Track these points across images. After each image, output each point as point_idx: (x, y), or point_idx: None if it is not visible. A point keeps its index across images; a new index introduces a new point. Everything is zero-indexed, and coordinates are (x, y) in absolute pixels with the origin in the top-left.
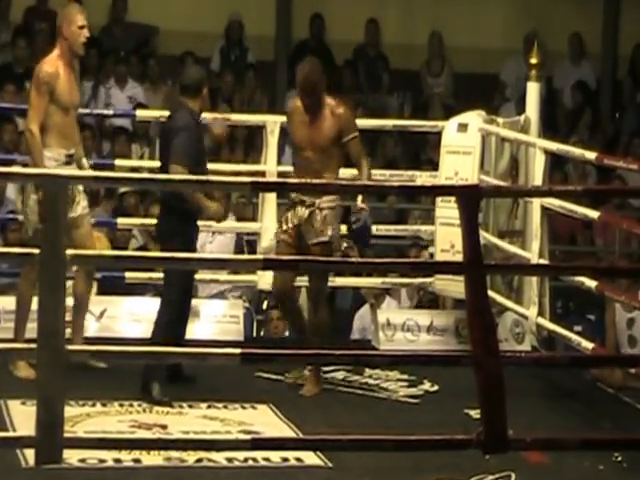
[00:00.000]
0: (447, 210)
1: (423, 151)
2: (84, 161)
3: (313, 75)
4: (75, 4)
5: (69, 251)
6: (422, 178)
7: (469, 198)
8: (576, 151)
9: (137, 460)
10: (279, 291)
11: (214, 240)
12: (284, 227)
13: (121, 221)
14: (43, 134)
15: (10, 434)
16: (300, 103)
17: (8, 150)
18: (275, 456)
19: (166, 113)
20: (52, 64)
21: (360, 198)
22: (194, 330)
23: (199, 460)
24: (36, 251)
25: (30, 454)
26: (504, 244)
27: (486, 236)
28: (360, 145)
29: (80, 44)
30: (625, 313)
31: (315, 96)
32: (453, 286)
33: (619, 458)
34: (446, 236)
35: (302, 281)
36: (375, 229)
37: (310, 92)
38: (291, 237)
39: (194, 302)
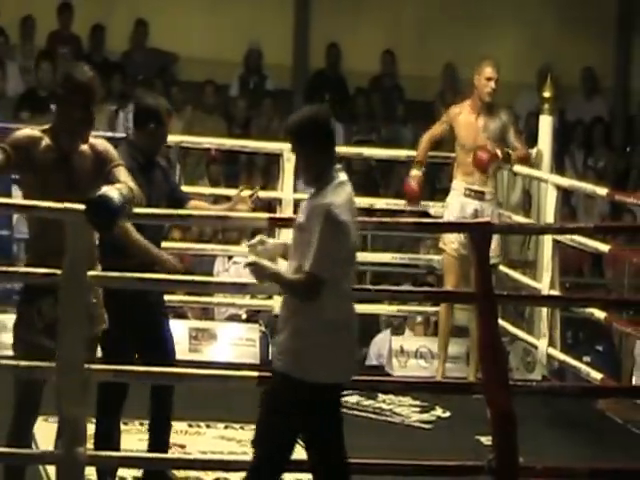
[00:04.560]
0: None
1: (438, 180)
2: None
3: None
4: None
5: (90, 272)
6: (435, 208)
7: (481, 235)
8: (587, 187)
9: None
10: None
11: (230, 268)
12: None
13: None
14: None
15: (33, 450)
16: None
17: None
18: (290, 478)
19: (186, 138)
20: (460, 106)
21: None
22: (212, 352)
23: None
24: (58, 271)
25: (52, 470)
26: (516, 274)
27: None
28: None
29: (483, 92)
30: None
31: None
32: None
33: None
34: None
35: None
36: (391, 257)
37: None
38: None
39: (212, 325)
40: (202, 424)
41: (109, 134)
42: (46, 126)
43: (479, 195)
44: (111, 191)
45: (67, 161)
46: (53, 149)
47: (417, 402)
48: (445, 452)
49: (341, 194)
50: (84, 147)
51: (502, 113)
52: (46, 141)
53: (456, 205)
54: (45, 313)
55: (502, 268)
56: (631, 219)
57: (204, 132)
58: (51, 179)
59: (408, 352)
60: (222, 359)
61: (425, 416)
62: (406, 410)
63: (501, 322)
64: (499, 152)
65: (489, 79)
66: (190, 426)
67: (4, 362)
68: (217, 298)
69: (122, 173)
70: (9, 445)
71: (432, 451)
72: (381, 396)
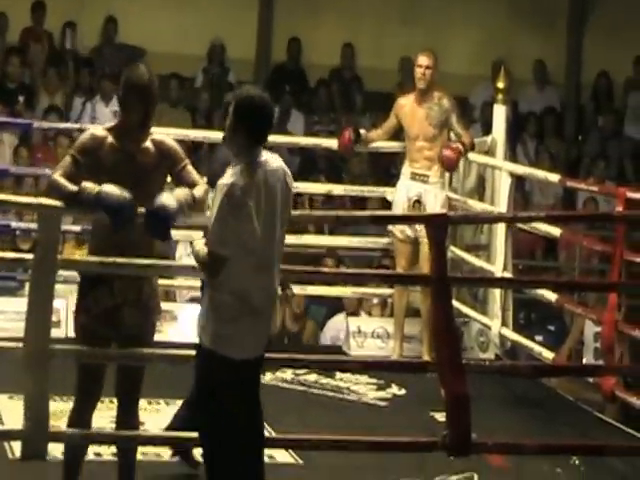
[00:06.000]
0: None
1: (393, 165)
2: None
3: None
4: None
5: (59, 256)
6: (391, 194)
7: (438, 225)
8: (540, 174)
9: (117, 454)
10: None
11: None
12: None
13: None
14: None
15: None
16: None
17: None
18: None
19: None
20: (406, 98)
21: None
22: (173, 333)
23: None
24: (28, 256)
25: (16, 445)
26: (470, 257)
27: (454, 250)
28: None
29: (416, 79)
30: (593, 326)
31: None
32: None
33: (576, 462)
34: None
35: None
36: (347, 241)
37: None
38: None
39: (173, 306)
40: (161, 401)
41: (77, 125)
42: (110, 124)
43: (423, 178)
44: (168, 200)
45: (131, 159)
46: (117, 148)
47: (373, 380)
48: (400, 428)
49: (252, 176)
50: (148, 144)
51: (444, 99)
52: (110, 140)
53: (402, 189)
54: (101, 301)
55: (457, 252)
56: (594, 208)
57: (169, 124)
58: (117, 178)
59: (365, 333)
60: (182, 339)
61: (381, 394)
62: (363, 388)
63: (456, 303)
64: (461, 147)
65: (419, 66)
66: (149, 403)
67: (67, 347)
68: (179, 281)
69: (193, 173)
70: (69, 426)
71: (388, 428)
72: (339, 375)
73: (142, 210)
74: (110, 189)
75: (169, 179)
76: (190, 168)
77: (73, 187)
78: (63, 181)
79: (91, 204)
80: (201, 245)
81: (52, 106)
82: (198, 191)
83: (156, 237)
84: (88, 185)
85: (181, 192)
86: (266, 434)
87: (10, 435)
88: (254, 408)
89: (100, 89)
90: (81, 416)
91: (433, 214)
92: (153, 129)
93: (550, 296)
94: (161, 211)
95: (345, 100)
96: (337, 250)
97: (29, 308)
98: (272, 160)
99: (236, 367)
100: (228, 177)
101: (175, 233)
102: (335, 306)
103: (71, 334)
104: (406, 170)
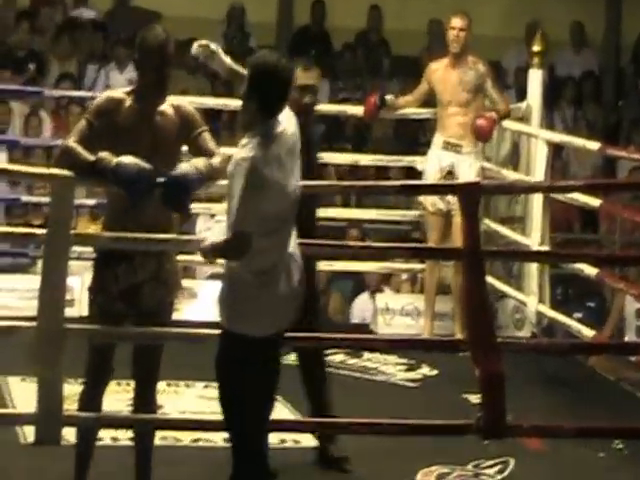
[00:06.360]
0: None
1: (422, 133)
2: None
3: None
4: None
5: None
6: (422, 164)
7: (470, 195)
8: (578, 142)
9: (134, 439)
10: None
11: (212, 227)
12: None
13: None
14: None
15: (11, 411)
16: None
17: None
18: (273, 437)
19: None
20: (438, 62)
21: None
22: (192, 311)
23: (195, 440)
24: (39, 231)
25: (29, 430)
26: (505, 230)
27: (487, 222)
28: None
29: (449, 41)
30: (635, 303)
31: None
32: None
33: (619, 445)
34: None
35: None
36: (375, 214)
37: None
38: None
39: (192, 283)
40: (181, 383)
41: (90, 93)
42: (130, 88)
43: (456, 148)
44: (189, 168)
45: (149, 121)
46: (135, 110)
47: (403, 360)
48: (432, 411)
49: (269, 147)
50: (167, 108)
51: (479, 64)
52: (128, 102)
53: (434, 159)
54: (121, 278)
55: (491, 224)
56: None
57: (187, 91)
58: (134, 141)
59: (393, 310)
60: (202, 318)
61: (411, 374)
62: (392, 368)
63: (490, 279)
64: (495, 115)
65: (453, 28)
66: (168, 385)
67: (81, 327)
68: (198, 257)
69: (210, 141)
70: (79, 409)
71: (418, 410)
72: (366, 354)
73: (161, 180)
74: (129, 160)
75: (185, 148)
76: (207, 135)
77: (89, 156)
78: (79, 149)
79: (108, 175)
80: (213, 238)
81: (65, 73)
82: (216, 160)
83: (174, 208)
84: (106, 155)
85: (200, 161)
86: (292, 417)
87: (23, 419)
88: (273, 386)
89: (114, 56)
90: (92, 398)
91: (465, 182)
92: (171, 97)
93: (589, 271)
94: (181, 179)
95: (371, 65)
96: (364, 223)
97: (42, 286)
98: (289, 125)
99: (254, 344)
100: (246, 151)
101: (195, 206)
102: (361, 280)
103: (85, 313)
104: (438, 139)
